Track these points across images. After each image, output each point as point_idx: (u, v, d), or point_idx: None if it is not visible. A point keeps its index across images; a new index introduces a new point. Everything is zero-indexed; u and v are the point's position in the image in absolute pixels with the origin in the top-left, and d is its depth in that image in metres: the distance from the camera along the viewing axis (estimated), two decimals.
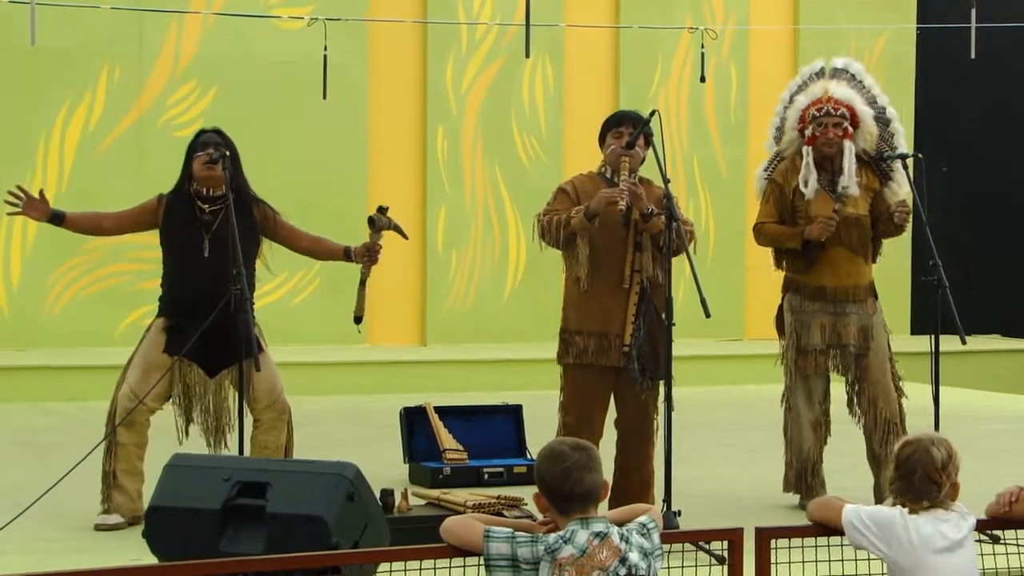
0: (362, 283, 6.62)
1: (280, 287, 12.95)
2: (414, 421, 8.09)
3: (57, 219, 6.62)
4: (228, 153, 6.52)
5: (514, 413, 8.28)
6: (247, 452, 6.37)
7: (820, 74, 7.48)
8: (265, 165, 12.45)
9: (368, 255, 6.67)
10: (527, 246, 13.72)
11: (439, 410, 8.15)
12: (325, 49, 11.19)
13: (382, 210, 6.73)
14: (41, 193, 6.61)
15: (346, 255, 6.76)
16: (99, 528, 6.50)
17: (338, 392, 12.03)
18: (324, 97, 11.32)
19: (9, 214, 6.71)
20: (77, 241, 11.89)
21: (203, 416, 6.70)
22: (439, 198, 14.03)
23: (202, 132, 6.83)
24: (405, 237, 6.85)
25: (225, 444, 6.71)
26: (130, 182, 12.13)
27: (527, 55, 10.86)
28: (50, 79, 12.81)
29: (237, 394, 6.43)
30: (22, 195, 6.57)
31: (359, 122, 13.75)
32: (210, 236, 6.58)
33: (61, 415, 10.71)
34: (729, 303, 14.04)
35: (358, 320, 6.48)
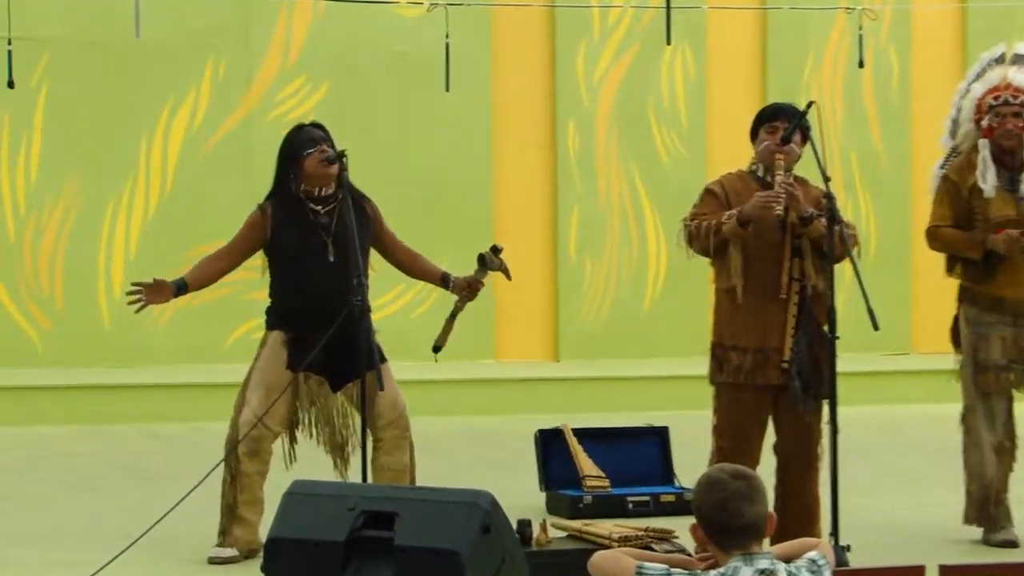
0: (453, 316, 6.78)
1: (398, 298, 12.98)
2: (550, 445, 8.07)
3: (181, 289, 6.76)
4: (345, 150, 6.59)
5: (660, 436, 8.22)
6: (370, 476, 6.40)
7: (1000, 60, 7.34)
8: (382, 164, 12.62)
9: (469, 291, 6.81)
10: (668, 251, 13.63)
11: (577, 432, 8.13)
12: (447, 37, 11.20)
13: (496, 250, 6.88)
14: (155, 279, 6.69)
15: (443, 282, 6.87)
16: (213, 561, 6.57)
17: (464, 413, 12.06)
18: (447, 89, 11.32)
19: (137, 311, 6.78)
20: (183, 247, 12.05)
21: (328, 436, 6.75)
22: (570, 199, 14.01)
23: (301, 128, 6.86)
24: (509, 278, 6.97)
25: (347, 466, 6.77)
26: (238, 184, 12.26)
27: (668, 41, 10.77)
28: (152, 75, 12.99)
29: (360, 411, 6.46)
30: (140, 288, 6.67)
31: (482, 116, 13.77)
32: (331, 239, 6.63)
33: (167, 438, 10.85)
34: (894, 313, 13.76)
35: (436, 350, 6.57)
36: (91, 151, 12.92)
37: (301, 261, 6.66)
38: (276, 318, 6.79)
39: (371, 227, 6.76)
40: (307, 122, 6.97)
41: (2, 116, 12.76)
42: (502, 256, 6.86)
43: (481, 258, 6.85)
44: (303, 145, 6.71)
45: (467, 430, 11.38)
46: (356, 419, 6.67)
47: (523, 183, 13.90)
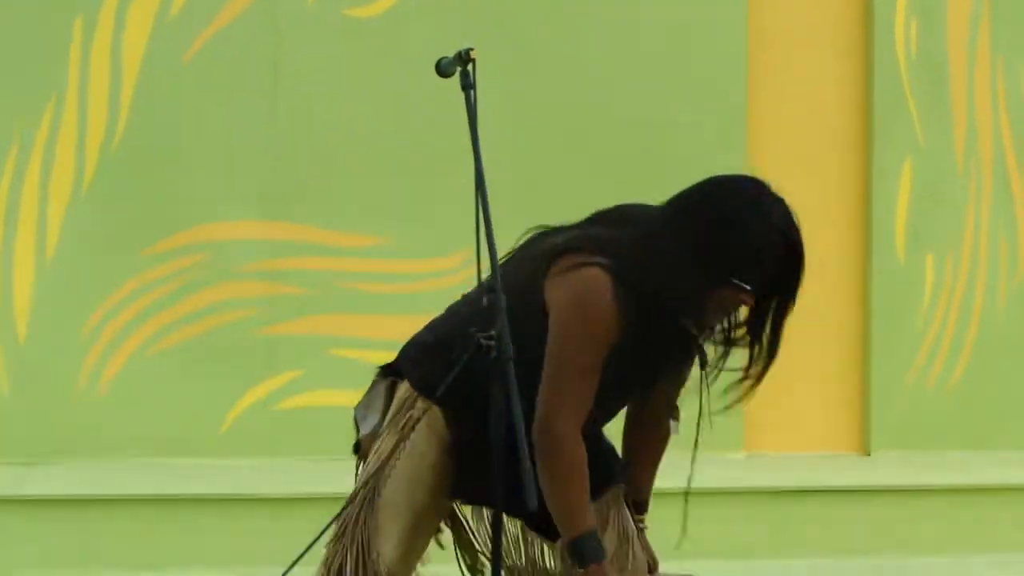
0: None
1: None
2: None
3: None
4: None
5: None
6: None
7: None
8: (567, 123, 12.56)
9: None
10: None
11: None
12: None
13: None
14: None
15: None
16: None
17: (699, 551, 11.92)
18: None
19: None
20: (149, 236, 12.09)
21: None
22: (899, 146, 13.95)
23: (794, 228, 6.80)
24: None
25: None
26: (255, 119, 12.22)
27: None
28: None
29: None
30: None
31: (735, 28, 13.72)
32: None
33: None
34: None
35: None
36: None
37: (615, 393, 7.03)
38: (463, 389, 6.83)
39: None
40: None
41: None
42: None
43: None
44: (774, 276, 6.85)
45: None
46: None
47: (799, 112, 13.88)
